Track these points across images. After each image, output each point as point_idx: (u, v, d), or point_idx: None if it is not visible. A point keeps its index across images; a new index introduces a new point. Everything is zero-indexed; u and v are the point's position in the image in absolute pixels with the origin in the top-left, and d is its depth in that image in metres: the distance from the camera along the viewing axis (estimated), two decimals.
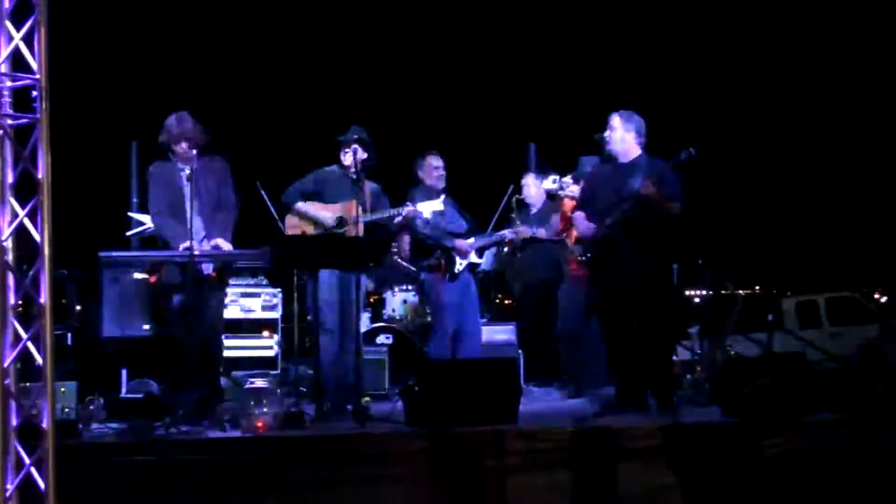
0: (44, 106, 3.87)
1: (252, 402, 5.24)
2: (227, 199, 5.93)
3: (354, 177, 6.23)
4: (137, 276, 6.14)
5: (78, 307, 7.19)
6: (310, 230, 6.24)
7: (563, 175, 6.99)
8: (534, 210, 7.56)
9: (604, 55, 14.55)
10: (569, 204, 6.92)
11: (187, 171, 5.72)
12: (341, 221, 6.09)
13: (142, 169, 8.80)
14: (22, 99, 3.91)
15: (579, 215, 6.12)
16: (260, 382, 5.85)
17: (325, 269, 6.05)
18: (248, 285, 7.38)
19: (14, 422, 3.86)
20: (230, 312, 6.99)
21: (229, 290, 6.62)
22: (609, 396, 6.12)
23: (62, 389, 5.01)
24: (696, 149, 5.65)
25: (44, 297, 3.87)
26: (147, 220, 6.88)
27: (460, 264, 6.90)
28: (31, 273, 3.89)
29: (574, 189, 6.81)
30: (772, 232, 19.80)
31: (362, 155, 6.21)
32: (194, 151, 5.77)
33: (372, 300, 8.58)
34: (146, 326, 6.11)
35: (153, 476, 4.70)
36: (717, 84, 16.23)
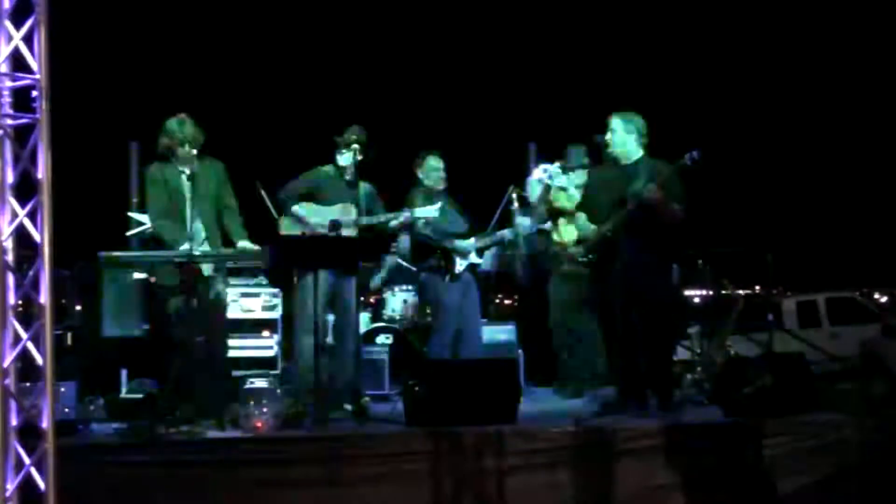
0: (44, 106, 3.87)
1: (252, 402, 5.23)
2: (229, 199, 5.96)
3: (350, 178, 6.22)
4: (137, 276, 6.14)
5: (78, 307, 7.19)
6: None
7: (552, 163, 6.99)
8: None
9: (603, 55, 14.55)
10: (555, 195, 6.91)
11: (187, 173, 5.75)
12: (335, 226, 6.07)
13: (142, 169, 8.82)
14: (22, 99, 3.91)
15: (580, 216, 6.12)
16: (260, 382, 5.84)
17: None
18: (248, 285, 7.37)
19: (14, 422, 3.86)
20: (230, 312, 6.98)
21: (230, 290, 6.61)
22: (609, 396, 6.11)
23: (62, 389, 5.01)
24: (700, 152, 5.65)
25: (44, 297, 3.87)
26: (147, 220, 6.88)
27: (461, 265, 6.89)
28: (31, 273, 3.89)
29: (563, 179, 6.79)
30: (772, 232, 19.80)
31: (359, 157, 6.20)
32: (195, 153, 5.78)
33: (372, 300, 8.57)
34: (146, 326, 6.11)
35: (153, 476, 4.70)
36: (718, 84, 16.24)
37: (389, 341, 7.59)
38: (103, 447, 4.94)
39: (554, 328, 7.07)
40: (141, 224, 6.97)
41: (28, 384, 4.17)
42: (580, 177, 6.87)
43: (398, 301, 8.06)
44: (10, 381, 3.84)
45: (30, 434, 3.88)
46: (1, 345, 3.81)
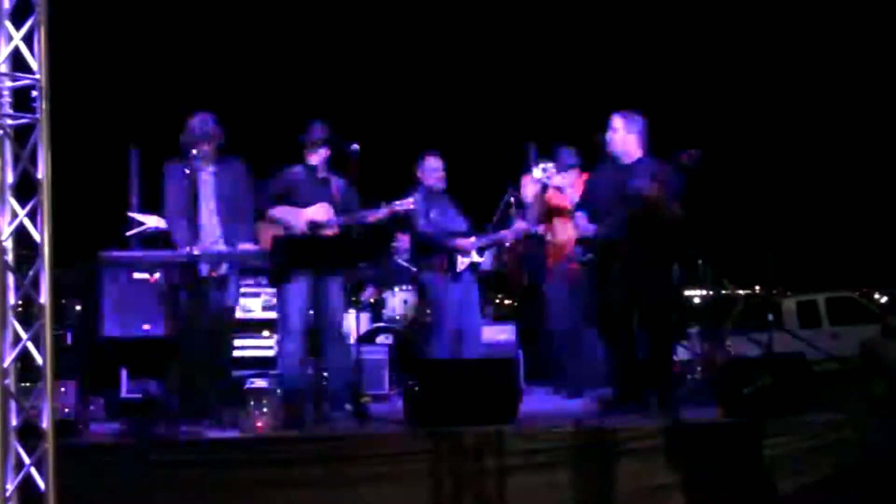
0: (44, 106, 3.87)
1: (252, 402, 5.23)
2: (244, 201, 5.96)
3: (322, 176, 6.20)
4: (137, 275, 6.13)
5: (78, 307, 7.18)
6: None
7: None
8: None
9: (603, 55, 14.55)
10: (552, 194, 6.92)
11: (206, 172, 5.77)
12: (313, 227, 6.03)
13: (142, 169, 8.82)
14: (22, 99, 3.91)
15: (580, 215, 6.12)
16: (260, 382, 5.84)
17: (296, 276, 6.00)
18: (248, 285, 7.36)
19: (14, 422, 3.86)
20: None
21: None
22: (609, 396, 6.11)
23: (62, 389, 5.01)
24: (700, 152, 5.65)
25: (44, 297, 3.87)
26: (147, 220, 6.88)
27: (462, 263, 6.89)
28: (31, 273, 3.89)
29: (558, 180, 6.80)
30: (772, 232, 19.80)
31: (327, 153, 6.17)
32: (214, 152, 5.81)
33: (372, 300, 8.57)
34: (146, 326, 6.11)
35: (153, 476, 4.70)
36: (718, 84, 16.24)
37: (389, 341, 7.59)
38: (103, 447, 4.94)
39: (553, 328, 7.07)
40: (141, 224, 6.96)
41: (28, 384, 4.17)
42: (571, 177, 6.88)
43: (398, 301, 8.05)
44: (10, 381, 3.84)
45: (30, 434, 3.87)
46: (1, 345, 3.81)
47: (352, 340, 6.55)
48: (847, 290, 14.37)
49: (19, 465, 3.86)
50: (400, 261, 8.54)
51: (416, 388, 5.37)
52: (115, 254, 5.91)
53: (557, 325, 7.03)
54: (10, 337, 3.84)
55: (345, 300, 6.38)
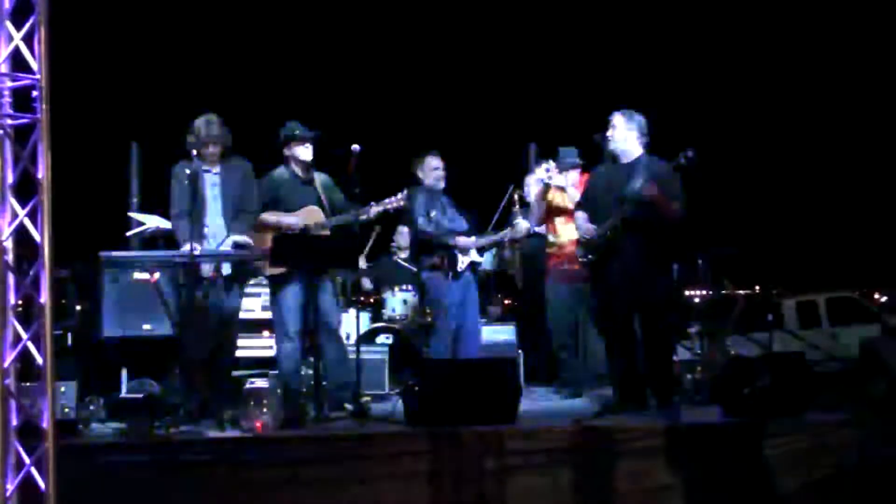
0: (44, 106, 3.87)
1: (252, 402, 5.23)
2: (249, 201, 5.97)
3: (306, 176, 6.17)
4: (137, 276, 6.13)
5: (78, 307, 7.19)
6: None
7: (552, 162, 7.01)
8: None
9: (603, 55, 14.55)
10: (554, 194, 6.93)
11: (212, 173, 5.77)
12: (305, 230, 5.99)
13: (143, 169, 8.82)
14: (22, 99, 3.91)
15: (580, 215, 6.12)
16: (260, 382, 5.84)
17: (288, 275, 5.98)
18: (248, 285, 7.36)
19: (14, 422, 3.86)
20: None
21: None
22: (609, 396, 6.12)
23: (62, 389, 5.01)
24: (694, 151, 5.65)
25: (44, 297, 3.87)
26: (147, 221, 6.88)
27: (462, 262, 6.89)
28: (31, 273, 3.89)
29: (560, 180, 6.80)
30: (772, 232, 19.80)
31: (308, 152, 6.14)
32: (219, 153, 5.82)
33: (372, 300, 8.57)
34: (146, 326, 6.10)
35: (153, 476, 4.70)
36: (718, 84, 16.24)
37: (389, 341, 7.59)
38: (103, 447, 4.94)
39: (553, 328, 7.08)
40: (141, 224, 6.96)
41: (28, 384, 4.17)
42: (572, 177, 6.89)
43: (398, 301, 8.06)
44: (10, 381, 3.84)
45: (30, 434, 3.87)
46: (1, 345, 3.82)
47: (352, 340, 6.55)
48: (847, 290, 14.35)
49: (19, 465, 3.86)
50: (400, 261, 8.55)
51: (416, 388, 5.37)
52: (115, 254, 5.92)
53: (558, 325, 7.03)
54: (10, 337, 3.84)
55: (342, 299, 6.37)
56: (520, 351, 7.67)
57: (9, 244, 3.87)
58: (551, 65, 14.50)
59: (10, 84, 3.90)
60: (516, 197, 7.49)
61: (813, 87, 17.37)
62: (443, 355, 6.72)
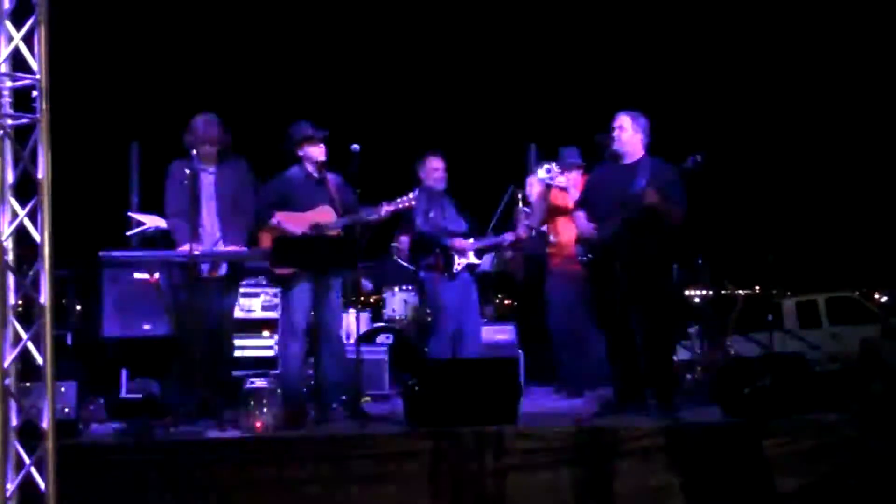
0: (44, 106, 3.87)
1: (252, 402, 5.24)
2: (246, 202, 5.95)
3: (319, 176, 6.15)
4: (137, 275, 6.14)
5: (78, 307, 7.19)
6: None
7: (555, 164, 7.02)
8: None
9: (603, 55, 14.55)
10: (556, 194, 6.93)
11: (208, 172, 5.77)
12: (317, 230, 5.99)
13: (143, 169, 8.82)
14: (22, 99, 3.91)
15: (580, 215, 6.12)
16: (260, 382, 5.84)
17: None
18: (248, 285, 7.37)
19: (14, 422, 3.86)
20: None
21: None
22: (609, 396, 6.12)
23: (62, 389, 5.01)
24: (703, 156, 5.65)
25: (44, 297, 3.87)
26: (147, 220, 6.88)
27: (459, 263, 6.89)
28: (31, 273, 3.89)
29: (561, 180, 6.81)
30: (772, 232, 19.79)
31: (321, 152, 6.11)
32: (216, 153, 5.82)
33: (372, 300, 8.57)
34: (146, 326, 6.11)
35: (153, 476, 4.70)
36: (718, 84, 16.24)
37: (389, 341, 7.59)
38: (103, 447, 4.94)
39: (553, 328, 7.08)
40: (141, 224, 6.96)
41: (28, 384, 4.17)
42: (573, 177, 6.90)
43: (398, 301, 8.06)
44: (10, 381, 3.84)
45: (30, 434, 3.87)
46: (1, 345, 3.81)
47: (352, 340, 6.56)
48: (847, 290, 14.36)
49: (19, 465, 3.86)
50: (400, 261, 8.54)
51: (416, 388, 5.37)
52: (115, 254, 5.92)
53: (558, 325, 7.03)
54: (10, 337, 3.84)
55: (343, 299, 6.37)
56: (520, 351, 7.67)
57: (9, 244, 3.87)
58: (551, 65, 14.50)
59: (10, 84, 3.90)
60: (519, 196, 7.49)
61: (813, 87, 17.36)
62: (443, 355, 6.72)
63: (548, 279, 7.09)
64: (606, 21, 14.37)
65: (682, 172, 5.72)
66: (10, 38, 3.88)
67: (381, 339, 7.65)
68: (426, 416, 5.25)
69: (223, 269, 5.84)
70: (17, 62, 3.89)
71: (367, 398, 6.24)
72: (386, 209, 6.14)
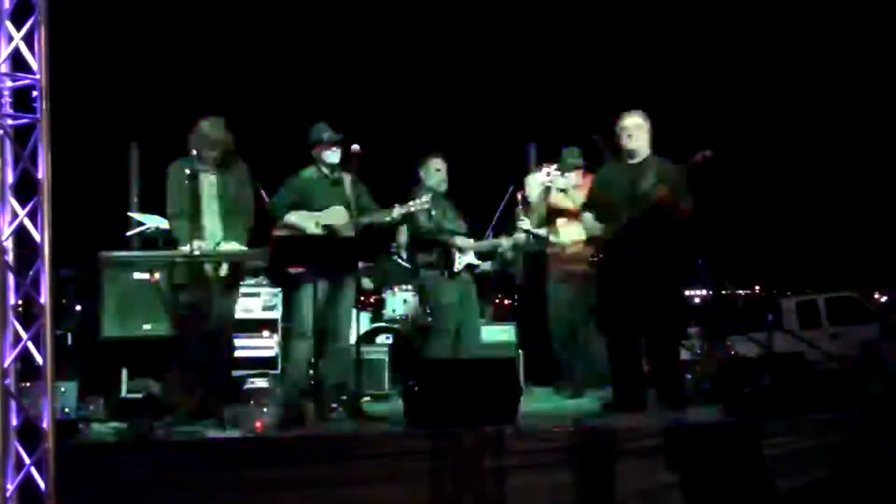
0: (44, 106, 3.87)
1: (252, 402, 5.23)
2: (246, 203, 5.97)
3: (335, 177, 6.17)
4: (138, 276, 6.14)
5: (78, 307, 7.19)
6: None
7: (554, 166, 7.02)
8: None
9: (603, 55, 14.55)
10: (556, 197, 6.93)
11: (210, 174, 5.79)
12: (330, 231, 5.99)
13: (142, 169, 8.82)
14: (22, 99, 3.91)
15: (588, 216, 6.13)
16: (260, 382, 5.84)
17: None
18: (248, 285, 7.37)
19: (14, 422, 3.86)
20: None
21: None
22: (609, 396, 6.12)
23: (62, 389, 5.01)
24: (713, 153, 5.66)
25: (44, 297, 3.87)
26: (147, 220, 6.88)
27: (460, 262, 6.89)
28: (31, 273, 3.89)
29: (561, 182, 6.81)
30: (772, 232, 19.80)
31: (339, 154, 6.13)
32: (218, 156, 5.83)
33: (372, 300, 8.57)
34: (147, 326, 6.11)
35: (153, 476, 4.70)
36: (718, 84, 16.24)
37: (389, 341, 7.59)
38: (103, 447, 4.94)
39: (553, 329, 7.08)
40: (141, 224, 6.97)
41: (28, 384, 4.17)
42: (574, 177, 6.90)
43: (398, 301, 8.06)
44: (10, 381, 3.84)
45: (30, 434, 3.88)
46: (1, 345, 3.82)
47: (352, 340, 6.55)
48: (847, 290, 14.35)
49: (19, 465, 3.86)
50: (400, 260, 8.55)
51: (416, 388, 5.37)
52: (115, 254, 5.92)
53: (558, 325, 7.03)
54: (10, 337, 3.84)
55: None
56: (520, 351, 7.67)
57: (9, 244, 3.87)
58: (551, 65, 14.49)
59: (10, 84, 3.90)
60: (520, 197, 7.48)
61: (812, 87, 17.36)
62: (443, 355, 6.72)
63: (548, 279, 7.09)
64: (606, 21, 14.37)
65: (690, 167, 5.72)
66: (10, 38, 3.89)
67: (381, 339, 7.64)
68: (426, 416, 5.25)
69: (224, 269, 5.85)
70: (17, 62, 3.89)
71: (367, 398, 6.23)
72: (397, 211, 6.17)
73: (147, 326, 6.09)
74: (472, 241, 7.03)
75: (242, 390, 5.91)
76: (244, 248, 5.89)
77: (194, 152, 5.78)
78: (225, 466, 4.81)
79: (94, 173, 11.27)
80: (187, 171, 5.70)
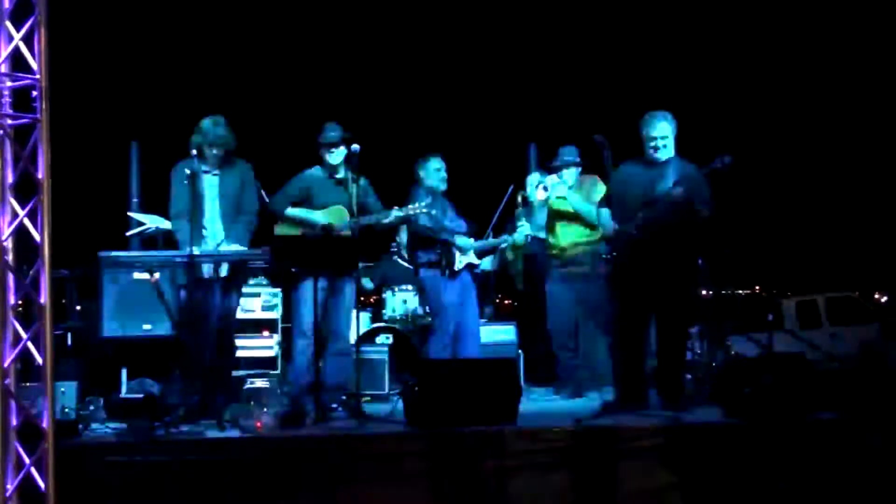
0: (44, 106, 3.88)
1: (252, 402, 5.23)
2: (248, 202, 6.00)
3: (340, 177, 6.19)
4: (137, 276, 6.14)
5: (78, 307, 7.19)
6: None
7: (546, 172, 7.02)
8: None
9: (603, 55, 14.55)
10: (555, 202, 6.94)
11: (213, 174, 5.79)
12: (329, 229, 6.01)
13: (143, 169, 8.82)
14: (22, 99, 3.91)
15: (604, 211, 6.14)
16: (260, 382, 5.84)
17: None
18: (248, 285, 7.37)
19: (14, 422, 3.86)
20: None
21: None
22: (609, 396, 6.11)
23: (62, 389, 5.01)
24: (731, 157, 5.66)
25: (44, 297, 3.87)
26: (147, 220, 6.88)
27: (460, 261, 6.90)
28: (31, 273, 3.89)
29: (560, 189, 6.84)
30: (772, 232, 19.79)
31: (345, 152, 6.15)
32: (221, 155, 5.85)
33: (372, 300, 8.57)
34: (146, 326, 6.11)
35: (153, 476, 4.70)
36: (717, 84, 16.24)
37: (389, 341, 7.59)
38: (103, 447, 4.94)
39: (553, 329, 7.08)
40: (141, 224, 6.97)
41: (28, 384, 4.17)
42: (572, 176, 6.91)
43: (398, 301, 8.06)
44: (10, 381, 3.84)
45: (30, 434, 3.88)
46: (1, 345, 3.82)
47: (352, 340, 6.56)
48: (847, 290, 14.37)
49: (19, 465, 3.86)
50: (400, 260, 8.55)
51: (416, 388, 5.37)
52: (115, 254, 5.92)
53: (558, 325, 7.04)
54: (10, 337, 3.85)
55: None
56: (520, 351, 7.68)
57: (9, 244, 3.87)
58: (552, 65, 14.49)
59: (10, 84, 3.91)
60: (520, 198, 7.49)
61: (812, 88, 17.36)
62: (443, 355, 6.72)
63: (548, 280, 7.10)
64: (606, 21, 14.37)
65: (709, 173, 5.73)
66: (10, 38, 3.89)
67: (381, 339, 7.65)
68: (426, 416, 5.25)
69: (225, 270, 5.86)
70: (17, 62, 3.90)
71: (367, 398, 6.23)
72: (396, 214, 6.20)
73: (147, 326, 6.09)
74: (472, 240, 7.03)
75: (242, 390, 5.91)
76: (245, 248, 5.89)
77: (195, 152, 5.79)
78: (225, 466, 4.81)
79: (94, 173, 11.27)
80: (189, 172, 5.71)
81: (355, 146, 6.01)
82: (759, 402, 5.41)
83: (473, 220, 7.21)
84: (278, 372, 7.23)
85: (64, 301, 7.13)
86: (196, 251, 5.60)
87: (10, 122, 3.89)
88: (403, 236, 8.48)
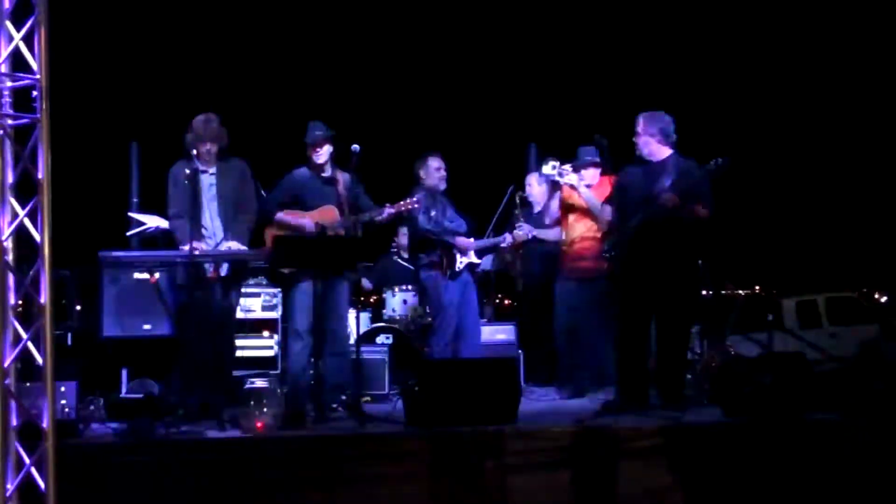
0: (44, 106, 3.87)
1: (252, 402, 5.23)
2: (247, 200, 5.99)
3: (328, 175, 6.17)
4: (137, 276, 6.15)
5: (78, 307, 7.19)
6: None
7: (563, 162, 6.99)
8: (537, 209, 7.55)
9: (603, 55, 14.55)
10: (567, 192, 6.94)
11: (209, 172, 5.78)
12: (320, 230, 5.97)
13: (142, 169, 8.82)
14: (22, 99, 3.91)
15: (608, 209, 6.14)
16: (260, 382, 5.84)
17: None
18: (248, 285, 7.37)
19: (14, 422, 3.86)
20: None
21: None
22: (609, 396, 6.12)
23: (62, 389, 5.01)
24: (727, 160, 5.67)
25: (44, 297, 3.87)
26: (147, 220, 6.88)
27: (461, 262, 6.90)
28: (31, 273, 3.89)
29: (573, 178, 6.81)
30: (772, 232, 19.79)
31: (330, 150, 6.13)
32: (215, 152, 5.83)
33: (372, 300, 8.56)
34: (146, 326, 6.11)
35: (153, 476, 4.70)
36: (717, 84, 16.24)
37: (389, 341, 7.59)
38: (103, 447, 4.94)
39: (557, 327, 7.07)
40: (141, 224, 6.97)
41: (28, 384, 4.17)
42: (589, 175, 6.90)
43: (398, 301, 8.06)
44: (10, 381, 3.84)
45: (30, 434, 3.88)
46: (1, 345, 3.82)
47: (352, 340, 6.56)
48: (847, 290, 14.35)
49: (19, 465, 3.86)
50: (400, 260, 8.54)
51: (416, 388, 5.37)
52: (115, 254, 5.92)
53: (563, 324, 7.02)
54: (10, 337, 3.84)
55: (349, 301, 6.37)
56: (520, 351, 7.67)
57: (9, 244, 3.87)
58: (552, 65, 14.50)
59: (10, 84, 3.90)
60: (518, 199, 7.48)
61: (812, 88, 17.36)
62: (443, 355, 6.72)
63: (558, 278, 7.07)
64: (606, 21, 14.37)
65: (707, 173, 5.74)
66: (10, 38, 3.89)
67: (381, 339, 7.65)
68: (426, 416, 5.25)
69: (225, 270, 5.86)
70: (17, 62, 3.89)
71: (367, 398, 6.23)
72: (388, 211, 6.17)
73: (147, 326, 6.09)
74: (472, 240, 7.03)
75: (242, 390, 5.91)
76: (245, 247, 5.89)
77: (193, 152, 5.79)
78: (225, 466, 4.81)
79: (94, 173, 11.28)
80: (187, 172, 5.71)
81: (355, 146, 6.01)
82: (759, 401, 5.41)
83: (473, 219, 7.21)
84: (278, 372, 7.22)
85: (64, 301, 7.13)
86: (196, 251, 5.60)
87: (10, 122, 3.89)
88: (403, 237, 8.48)
